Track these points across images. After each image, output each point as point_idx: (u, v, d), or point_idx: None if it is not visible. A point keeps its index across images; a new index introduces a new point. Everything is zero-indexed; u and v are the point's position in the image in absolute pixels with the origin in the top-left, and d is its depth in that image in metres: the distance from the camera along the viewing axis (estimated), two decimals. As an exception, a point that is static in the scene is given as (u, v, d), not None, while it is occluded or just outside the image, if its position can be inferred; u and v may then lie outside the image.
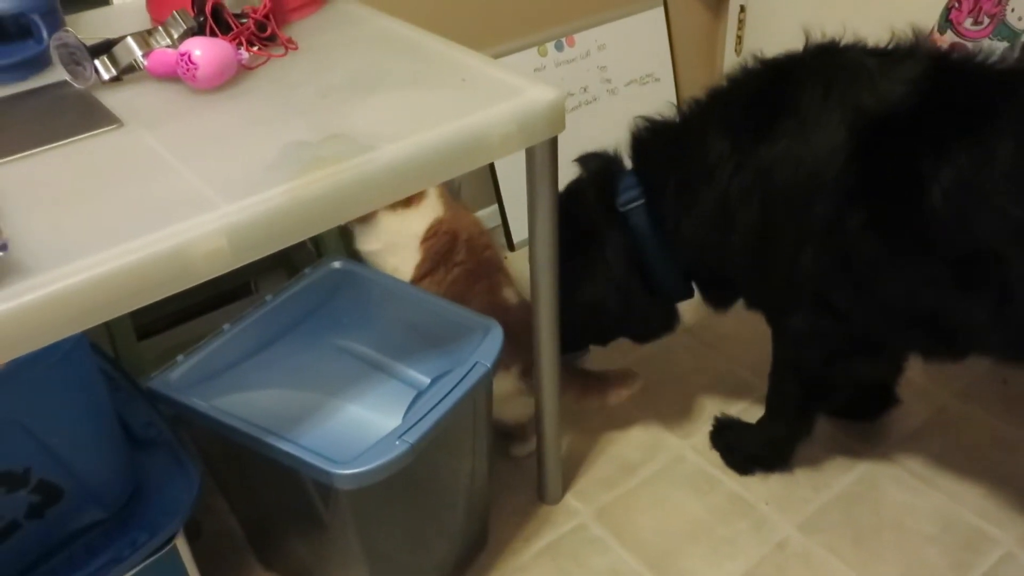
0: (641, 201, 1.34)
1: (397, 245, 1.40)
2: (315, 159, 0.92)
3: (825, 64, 1.18)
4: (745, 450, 1.52)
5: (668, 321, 1.48)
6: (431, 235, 1.39)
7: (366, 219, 1.39)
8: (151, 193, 0.89)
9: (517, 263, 1.97)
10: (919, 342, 1.27)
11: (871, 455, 1.54)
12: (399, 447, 1.02)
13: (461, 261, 1.40)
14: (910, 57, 1.14)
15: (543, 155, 1.09)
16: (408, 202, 1.39)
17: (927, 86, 1.10)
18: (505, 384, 1.40)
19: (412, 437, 1.03)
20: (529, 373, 1.39)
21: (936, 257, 1.11)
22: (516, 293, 1.39)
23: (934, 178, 1.07)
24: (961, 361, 1.25)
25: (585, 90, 2.12)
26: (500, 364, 1.36)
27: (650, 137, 1.35)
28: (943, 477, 1.49)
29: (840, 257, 1.17)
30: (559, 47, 2.07)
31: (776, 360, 1.41)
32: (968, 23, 1.66)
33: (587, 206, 1.38)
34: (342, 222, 0.94)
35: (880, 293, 1.19)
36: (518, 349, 1.36)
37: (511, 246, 2.09)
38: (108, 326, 1.50)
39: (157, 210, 0.85)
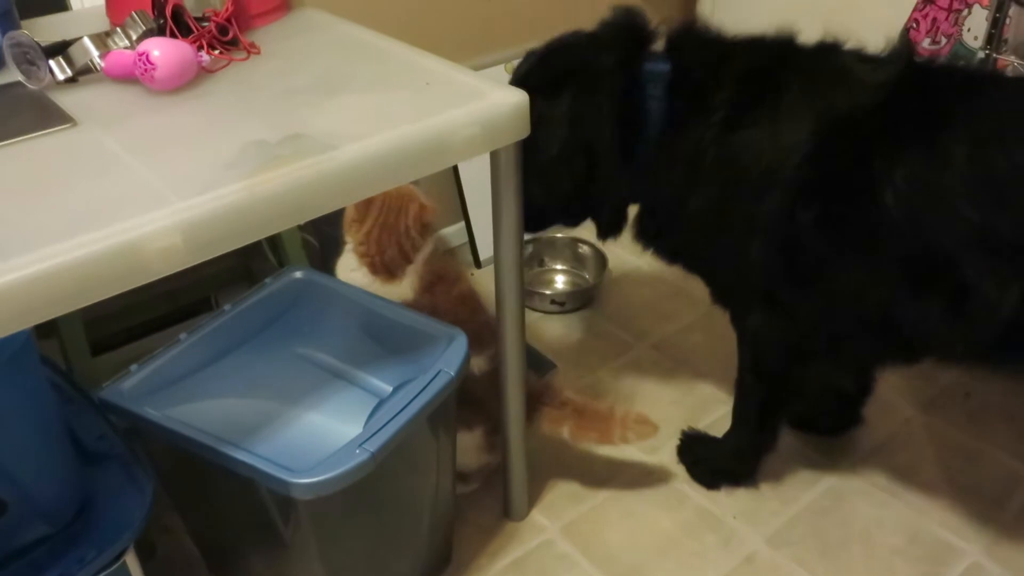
0: (667, 74, 1.24)
1: None
2: (274, 157, 0.90)
3: (819, 63, 1.18)
4: (711, 464, 1.51)
5: (623, 205, 1.38)
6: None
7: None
8: (104, 190, 0.86)
9: (484, 280, 1.96)
10: (873, 344, 1.27)
11: (837, 469, 1.53)
12: (359, 455, 0.99)
13: None
14: (891, 62, 1.15)
15: (508, 159, 1.08)
16: (391, 276, 1.37)
17: (895, 90, 1.11)
18: (467, 441, 1.39)
19: (373, 445, 1.01)
20: (494, 433, 1.39)
21: (886, 257, 1.12)
22: (487, 359, 1.35)
23: (887, 179, 1.08)
24: (916, 364, 1.26)
25: (552, 108, 2.12)
26: (465, 424, 1.37)
27: (690, 41, 1.27)
28: (909, 489, 1.49)
29: (787, 253, 1.17)
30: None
31: (740, 364, 1.40)
32: (926, 43, 1.70)
33: (599, 45, 1.27)
34: (302, 221, 0.92)
35: (829, 292, 1.19)
36: (483, 413, 1.36)
37: (477, 263, 2.08)
38: (61, 340, 1.46)
39: (110, 206, 0.83)
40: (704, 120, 1.19)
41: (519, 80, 1.31)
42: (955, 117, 1.08)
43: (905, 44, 1.18)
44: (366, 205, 1.35)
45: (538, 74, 1.29)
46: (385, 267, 1.35)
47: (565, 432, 1.39)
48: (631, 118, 1.25)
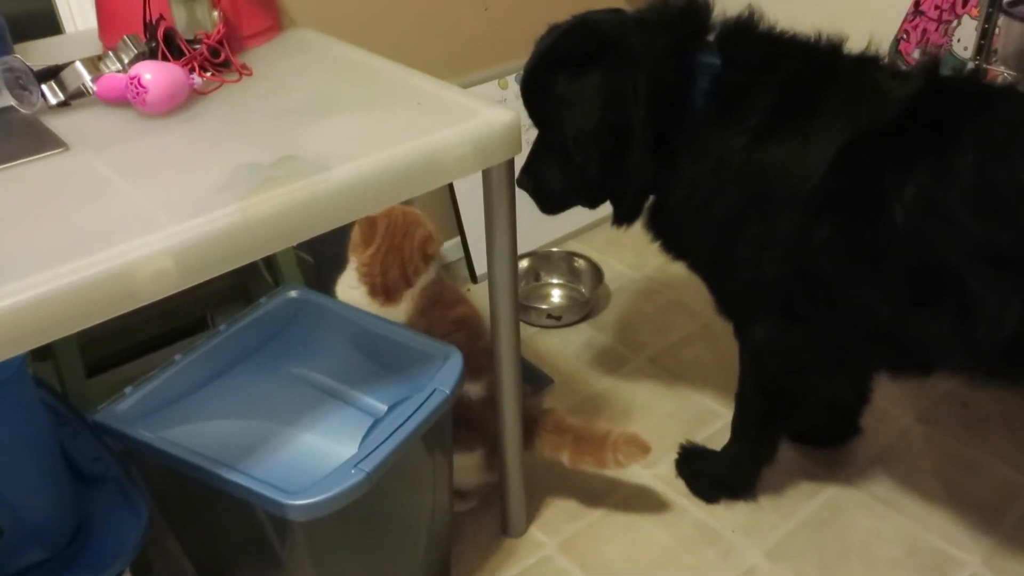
0: (718, 68, 1.20)
1: None
2: (266, 179, 0.90)
3: (855, 78, 1.16)
4: (710, 477, 1.50)
5: (647, 192, 1.32)
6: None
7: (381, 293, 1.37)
8: (95, 214, 0.86)
9: (480, 295, 1.96)
10: (882, 357, 1.27)
11: (836, 480, 1.53)
12: (355, 476, 0.99)
13: None
14: (916, 77, 1.14)
15: (500, 177, 1.09)
16: (389, 298, 1.36)
17: (911, 105, 1.11)
18: (467, 461, 1.39)
19: (368, 466, 1.00)
20: (493, 455, 1.39)
21: (895, 272, 1.12)
22: (484, 386, 1.35)
23: (896, 194, 1.08)
24: (926, 377, 1.26)
25: (546, 122, 2.13)
26: (465, 446, 1.37)
27: (743, 37, 1.22)
28: (907, 500, 1.49)
29: (801, 269, 1.17)
30: (520, 80, 2.09)
31: (741, 375, 1.40)
32: (916, 54, 1.71)
33: (647, 26, 1.21)
34: (295, 242, 0.92)
35: (841, 307, 1.19)
36: (482, 435, 1.36)
37: (474, 278, 2.08)
38: (56, 361, 1.45)
39: (102, 230, 0.83)
40: (739, 124, 1.16)
41: (541, 54, 1.26)
42: (963, 132, 1.07)
43: (930, 58, 1.17)
44: (372, 227, 1.35)
45: (564, 49, 1.24)
46: (385, 289, 1.35)
47: (564, 458, 1.39)
48: (673, 106, 1.20)
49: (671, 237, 1.34)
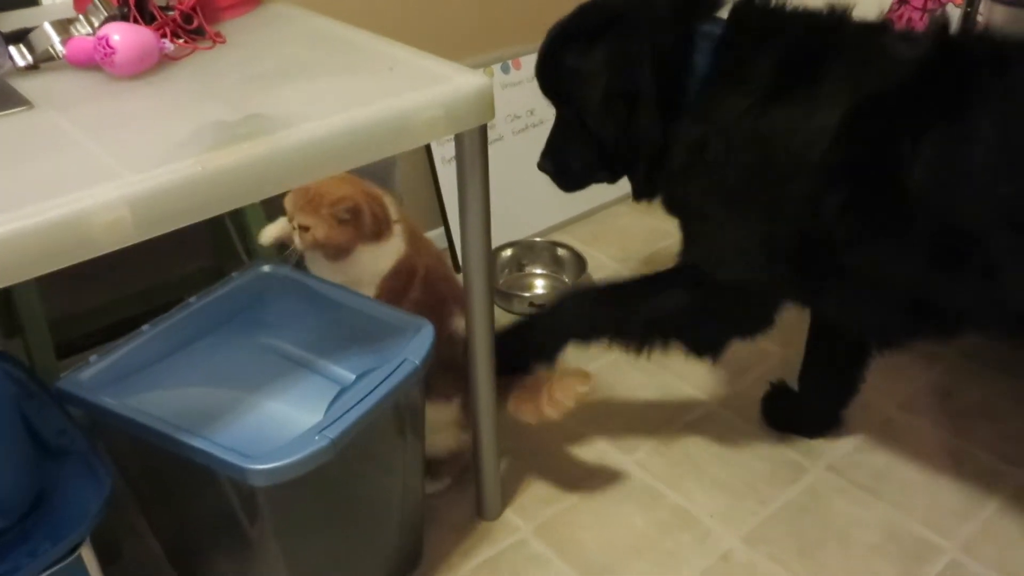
0: (717, 34, 1.22)
1: (361, 282, 1.34)
2: (230, 136, 0.89)
3: (863, 43, 1.16)
4: (519, 340, 1.43)
5: (659, 161, 1.30)
6: (391, 274, 1.34)
7: (340, 253, 1.31)
8: (54, 166, 0.85)
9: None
10: (896, 322, 1.27)
11: (816, 468, 1.51)
12: (318, 442, 0.97)
13: (414, 298, 1.36)
14: (925, 40, 1.13)
15: (472, 143, 1.07)
16: (378, 236, 1.33)
17: (922, 68, 1.10)
18: (444, 414, 1.37)
19: (333, 432, 0.99)
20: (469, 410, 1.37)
21: (914, 235, 1.11)
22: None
23: (915, 157, 1.07)
24: (950, 340, 1.25)
25: (532, 112, 2.12)
26: (442, 394, 1.35)
27: (751, 10, 1.24)
28: (888, 488, 1.47)
29: (810, 233, 1.16)
30: (505, 69, 2.08)
31: (668, 281, 1.36)
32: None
33: (651, 2, 1.24)
34: (259, 198, 0.90)
35: (855, 274, 1.18)
36: (462, 381, 1.33)
37: (457, 268, 2.07)
38: (25, 340, 1.43)
39: (59, 180, 0.81)
40: (745, 89, 1.17)
41: (553, 33, 1.31)
42: (980, 93, 1.06)
43: (941, 21, 1.16)
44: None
45: (574, 26, 1.28)
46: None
47: (510, 406, 1.37)
48: (679, 72, 1.22)
49: (667, 194, 1.33)
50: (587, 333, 1.41)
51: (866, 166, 1.11)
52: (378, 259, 1.33)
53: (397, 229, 1.34)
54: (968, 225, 1.08)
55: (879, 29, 1.18)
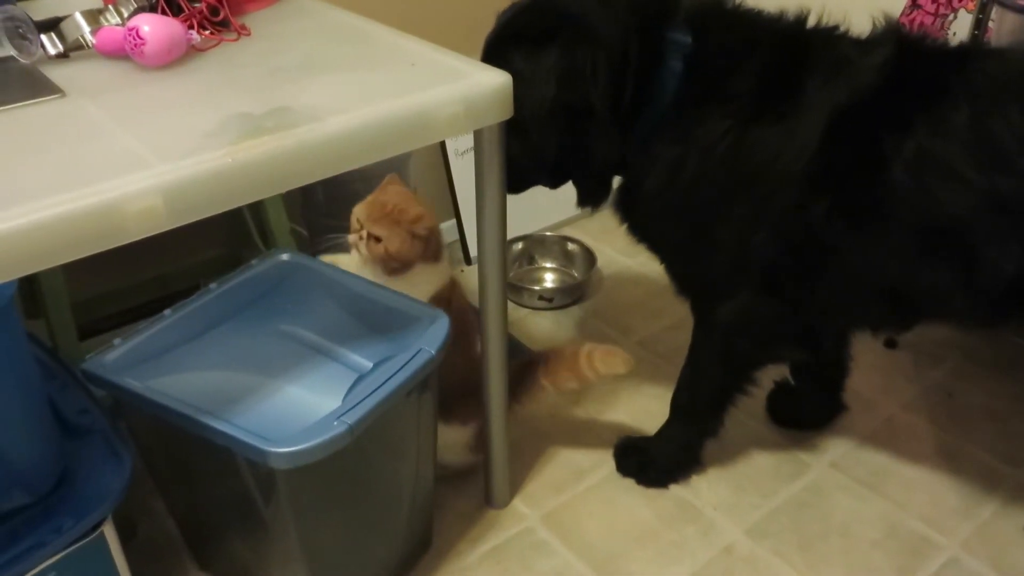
0: (689, 47, 1.18)
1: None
2: (256, 128, 0.91)
3: (827, 54, 1.16)
4: (660, 464, 1.49)
5: (609, 175, 1.31)
6: (433, 298, 1.36)
7: (402, 268, 1.33)
8: (86, 153, 0.88)
9: (473, 277, 1.96)
10: (880, 314, 1.29)
11: (819, 464, 1.54)
12: (337, 428, 1.00)
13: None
14: (881, 44, 1.15)
15: (491, 139, 1.10)
16: (437, 257, 1.36)
17: (890, 70, 1.12)
18: (458, 436, 1.40)
19: (351, 419, 1.01)
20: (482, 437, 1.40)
21: (900, 230, 1.14)
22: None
23: (896, 155, 1.10)
24: (910, 329, 1.30)
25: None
26: (459, 417, 1.38)
27: (714, 18, 1.21)
28: (889, 485, 1.49)
29: (797, 244, 1.19)
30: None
31: (698, 353, 1.41)
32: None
33: (610, 3, 1.18)
34: (284, 190, 0.93)
35: (839, 272, 1.20)
36: (481, 408, 1.36)
37: (468, 260, 2.09)
38: (48, 320, 1.46)
39: (93, 168, 0.84)
40: (721, 109, 1.16)
41: (499, 29, 1.25)
42: (951, 88, 1.10)
43: (891, 24, 1.19)
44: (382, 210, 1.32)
45: (522, 24, 1.22)
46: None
47: (546, 384, 1.40)
48: (642, 86, 1.17)
49: (640, 220, 1.33)
50: (696, 434, 1.48)
51: (849, 171, 1.14)
52: (430, 280, 1.36)
53: (446, 254, 1.38)
54: (950, 214, 1.10)
55: (837, 37, 1.20)
